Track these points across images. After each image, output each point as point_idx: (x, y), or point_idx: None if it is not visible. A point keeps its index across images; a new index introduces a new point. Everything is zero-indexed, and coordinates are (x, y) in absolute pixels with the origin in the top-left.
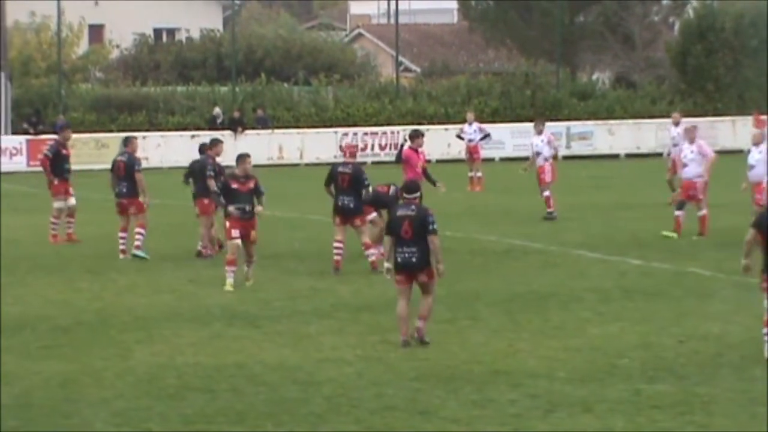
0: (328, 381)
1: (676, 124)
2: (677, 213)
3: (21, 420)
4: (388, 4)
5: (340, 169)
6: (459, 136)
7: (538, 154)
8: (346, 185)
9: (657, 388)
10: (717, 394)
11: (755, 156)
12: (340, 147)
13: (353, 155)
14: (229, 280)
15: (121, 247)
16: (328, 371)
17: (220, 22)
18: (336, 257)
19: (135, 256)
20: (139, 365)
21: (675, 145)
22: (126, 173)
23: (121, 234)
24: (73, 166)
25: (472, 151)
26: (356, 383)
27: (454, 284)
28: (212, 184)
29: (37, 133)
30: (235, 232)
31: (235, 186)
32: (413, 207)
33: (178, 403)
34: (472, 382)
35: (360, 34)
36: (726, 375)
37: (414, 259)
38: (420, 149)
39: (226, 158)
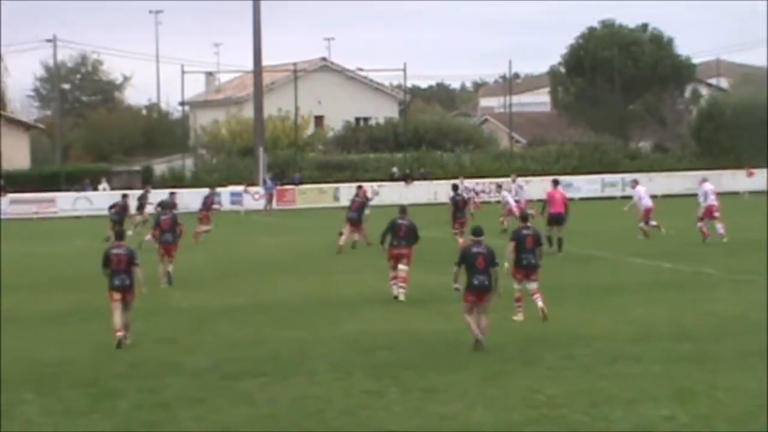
0: (463, 344)
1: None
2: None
3: (272, 367)
4: (505, 100)
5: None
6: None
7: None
8: (355, 206)
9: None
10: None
11: None
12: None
13: (364, 195)
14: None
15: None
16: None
17: (396, 112)
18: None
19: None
20: (346, 333)
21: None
22: (406, 234)
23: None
24: (304, 205)
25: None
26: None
27: None
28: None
29: (282, 185)
30: None
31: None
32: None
33: (371, 356)
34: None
35: (486, 119)
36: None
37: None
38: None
39: (402, 200)
